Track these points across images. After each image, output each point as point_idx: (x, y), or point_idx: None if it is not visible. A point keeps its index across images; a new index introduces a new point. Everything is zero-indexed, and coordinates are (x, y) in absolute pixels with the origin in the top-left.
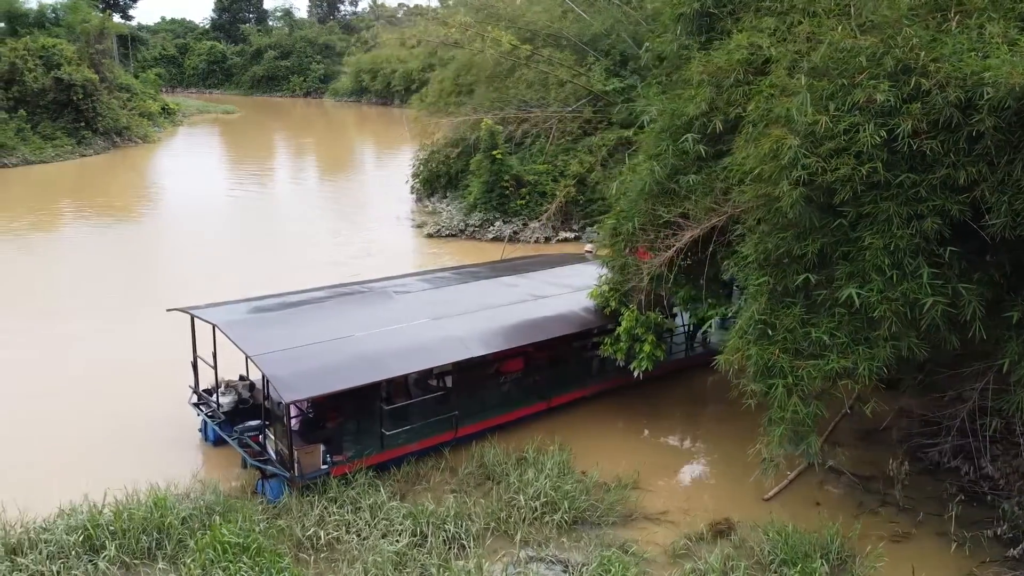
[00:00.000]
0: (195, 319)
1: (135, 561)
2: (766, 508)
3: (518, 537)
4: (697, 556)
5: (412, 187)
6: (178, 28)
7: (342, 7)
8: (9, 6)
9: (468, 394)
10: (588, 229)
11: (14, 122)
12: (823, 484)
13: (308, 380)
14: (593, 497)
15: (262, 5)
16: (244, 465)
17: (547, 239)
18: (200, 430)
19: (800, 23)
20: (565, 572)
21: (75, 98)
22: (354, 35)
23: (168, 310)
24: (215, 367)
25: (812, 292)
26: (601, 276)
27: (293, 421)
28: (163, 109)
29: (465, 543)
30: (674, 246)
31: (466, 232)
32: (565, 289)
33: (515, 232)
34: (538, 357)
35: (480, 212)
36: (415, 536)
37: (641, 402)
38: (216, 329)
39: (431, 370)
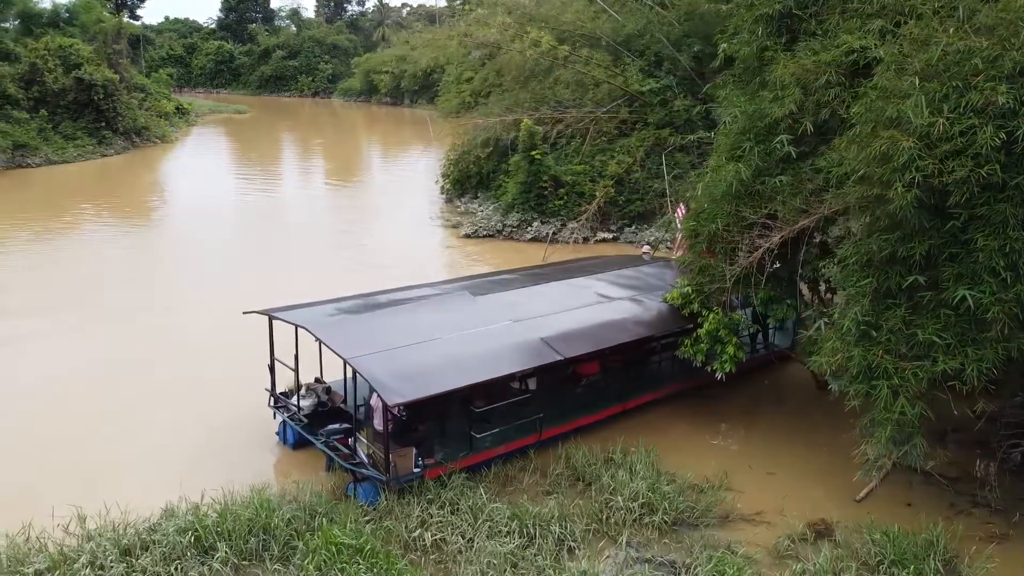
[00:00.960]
0: (273, 321)
1: (243, 562)
2: (859, 509)
3: (623, 538)
4: (802, 557)
5: (442, 187)
6: (182, 28)
7: (349, 7)
8: (24, 5)
9: (548, 397)
10: (627, 229)
11: (36, 122)
12: (911, 485)
13: (409, 383)
14: (689, 498)
15: (269, 5)
16: (328, 468)
17: (585, 239)
18: (277, 433)
19: (902, 24)
20: (673, 573)
21: (96, 98)
22: (377, 31)
23: (245, 312)
24: (296, 370)
25: (916, 293)
26: (680, 278)
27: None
28: (177, 109)
29: (572, 544)
30: (761, 247)
31: (503, 232)
32: (634, 291)
33: (553, 232)
34: (613, 359)
35: (518, 212)
36: (522, 537)
37: (714, 403)
38: (297, 331)
39: (514, 372)
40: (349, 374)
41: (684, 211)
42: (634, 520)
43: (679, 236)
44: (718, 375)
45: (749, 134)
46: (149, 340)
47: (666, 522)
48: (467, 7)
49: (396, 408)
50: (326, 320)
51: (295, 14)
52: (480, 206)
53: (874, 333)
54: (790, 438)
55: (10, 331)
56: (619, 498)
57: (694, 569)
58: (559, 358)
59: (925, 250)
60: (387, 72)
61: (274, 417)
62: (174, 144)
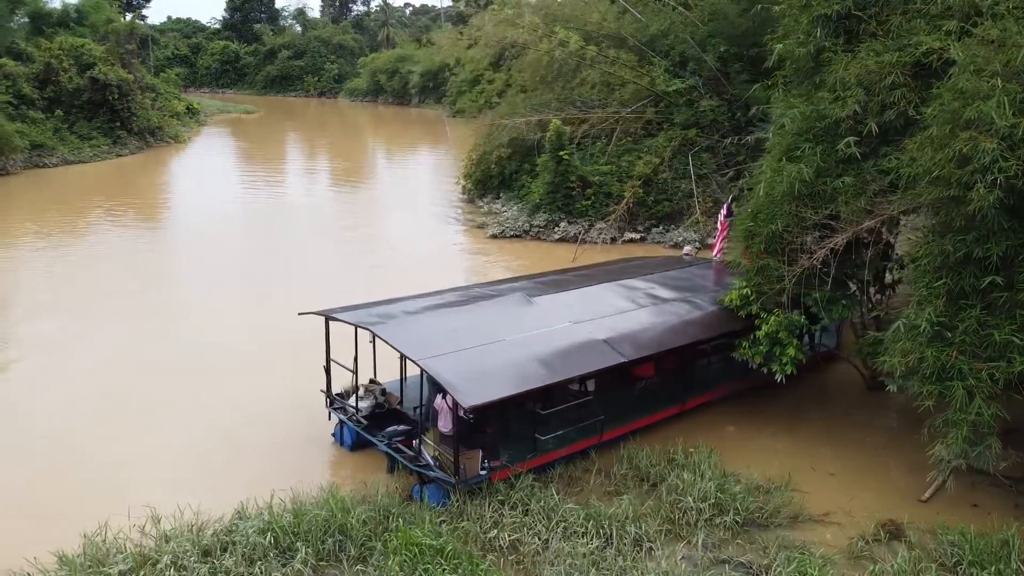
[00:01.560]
0: (330, 322)
1: (321, 563)
2: (925, 509)
3: (699, 539)
4: (877, 558)
5: (463, 187)
6: (184, 28)
7: (354, 7)
8: (34, 5)
9: (607, 399)
10: (654, 230)
11: (51, 122)
12: (973, 486)
13: (481, 385)
14: (757, 499)
15: (273, 5)
16: (390, 470)
17: (613, 240)
18: (333, 434)
19: (976, 25)
20: (750, 574)
21: (111, 98)
22: (382, 31)
23: (300, 313)
24: (355, 371)
25: (991, 294)
26: (737, 279)
27: (450, 426)
28: (187, 109)
29: (649, 544)
30: (824, 248)
31: (531, 233)
32: (684, 292)
33: (581, 233)
34: (668, 361)
35: (545, 213)
36: (598, 538)
37: (762, 404)
38: (357, 332)
39: (580, 375)
40: (409, 375)
41: (726, 212)
42: (705, 521)
43: (719, 237)
44: (778, 377)
45: (807, 135)
46: (192, 343)
47: (737, 522)
48: (490, 8)
49: (456, 410)
50: (387, 321)
51: (301, 14)
52: (503, 206)
53: (948, 334)
54: (845, 439)
55: (56, 332)
56: (689, 498)
57: (775, 570)
58: (623, 360)
59: (1002, 251)
60: (395, 72)
61: (329, 418)
62: (186, 144)
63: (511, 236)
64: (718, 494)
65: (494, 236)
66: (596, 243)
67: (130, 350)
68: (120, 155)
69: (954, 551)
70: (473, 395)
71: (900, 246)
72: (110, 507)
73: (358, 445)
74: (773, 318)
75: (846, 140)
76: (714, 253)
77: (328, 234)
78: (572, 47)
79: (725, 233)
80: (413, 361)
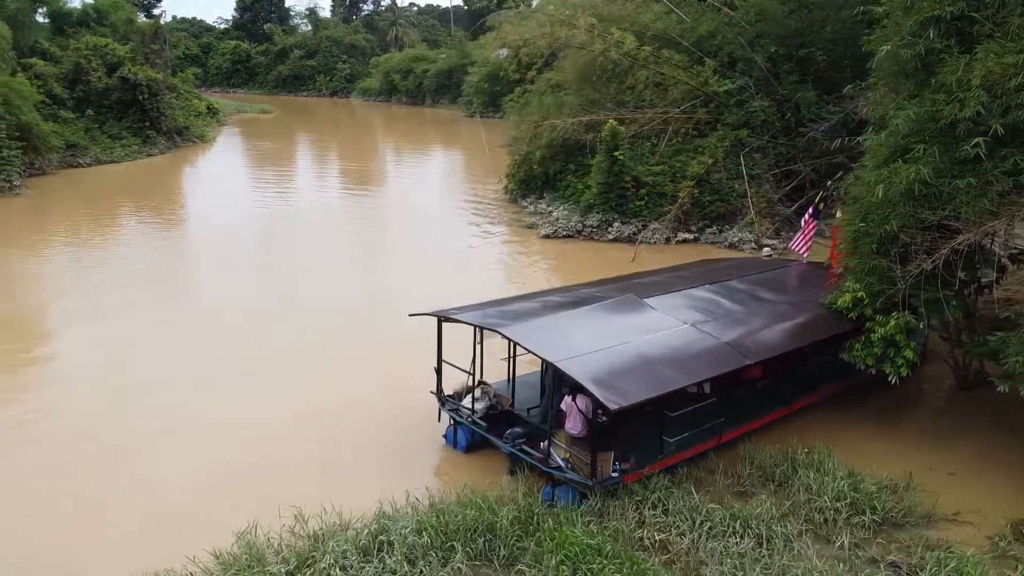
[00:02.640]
0: (443, 323)
1: (475, 562)
2: None
3: (845, 539)
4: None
5: (505, 187)
6: (191, 28)
7: (364, 6)
8: (55, 4)
9: (724, 401)
10: (707, 230)
11: (82, 122)
12: None
13: (622, 387)
14: (890, 498)
15: (283, 4)
16: (511, 472)
17: (667, 240)
18: (445, 436)
19: None
20: (900, 573)
21: (141, 98)
22: (391, 30)
23: (411, 315)
24: (472, 372)
25: None
26: (849, 281)
27: (577, 427)
28: (208, 108)
29: (796, 545)
30: (946, 248)
31: (583, 233)
32: (786, 294)
33: (634, 233)
34: (774, 363)
35: (598, 213)
36: (747, 537)
37: (859, 405)
38: (477, 332)
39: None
40: (536, 375)
41: (812, 212)
42: (844, 520)
43: (806, 238)
44: (892, 379)
45: (920, 136)
46: (284, 348)
47: (876, 522)
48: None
49: (595, 413)
50: (513, 323)
51: (312, 14)
52: (549, 206)
53: None
54: (952, 438)
55: (161, 330)
56: (825, 498)
57: (930, 570)
58: (747, 362)
59: None
60: (410, 71)
61: (438, 420)
62: (212, 144)
63: (563, 236)
64: (852, 493)
65: (546, 236)
66: (653, 243)
67: (232, 355)
68: (150, 155)
69: None
70: (617, 397)
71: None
72: (242, 508)
73: (474, 446)
74: (893, 321)
75: (976, 141)
76: (802, 253)
77: (385, 233)
78: (627, 47)
79: (812, 233)
80: (550, 363)
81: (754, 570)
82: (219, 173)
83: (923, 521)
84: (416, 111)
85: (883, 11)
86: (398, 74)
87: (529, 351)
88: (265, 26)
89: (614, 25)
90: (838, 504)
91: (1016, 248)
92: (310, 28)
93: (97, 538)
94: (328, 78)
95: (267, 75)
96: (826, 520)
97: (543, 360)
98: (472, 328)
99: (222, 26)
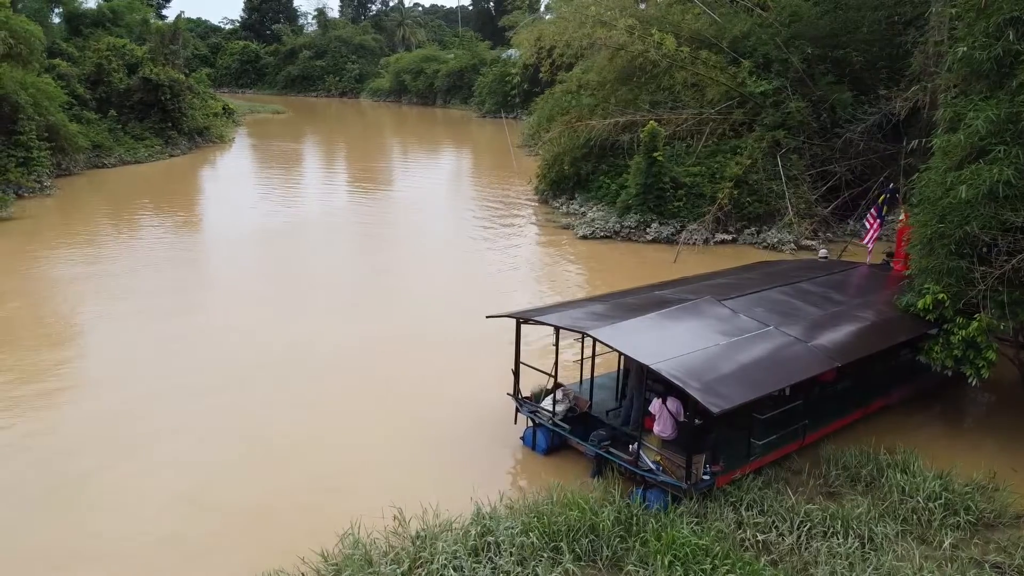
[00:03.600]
0: (523, 324)
1: (580, 563)
2: None
3: (945, 540)
4: None
5: (536, 188)
6: (197, 28)
7: (372, 5)
8: (70, 5)
9: (805, 404)
10: (745, 231)
11: (105, 123)
12: None
13: (720, 389)
14: (983, 499)
15: (291, 5)
16: (595, 474)
17: (706, 241)
18: (522, 438)
19: None
20: (1003, 575)
21: (163, 98)
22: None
23: (488, 316)
24: (554, 374)
25: None
26: (929, 283)
27: (667, 430)
28: (224, 109)
29: (895, 546)
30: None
31: (621, 234)
32: (858, 296)
33: (673, 234)
34: (850, 365)
35: (636, 213)
36: (848, 537)
37: (932, 406)
38: (559, 333)
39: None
40: (609, 376)
41: (876, 212)
42: (940, 521)
43: (871, 238)
44: (971, 380)
45: (1001, 136)
46: (348, 352)
47: (971, 522)
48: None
49: (688, 415)
50: (600, 324)
51: (321, 14)
52: (581, 207)
53: None
54: (1022, 438)
55: (218, 335)
56: (918, 498)
57: None
58: (836, 364)
59: None
60: (420, 71)
61: (515, 422)
62: (230, 145)
63: (601, 237)
64: (945, 494)
65: (584, 237)
66: (693, 244)
67: (300, 360)
68: (172, 155)
69: None
70: (718, 400)
71: None
72: (333, 510)
73: (553, 449)
74: (975, 323)
75: None
76: (869, 248)
77: (424, 235)
78: (668, 48)
79: (877, 233)
80: (645, 366)
81: (865, 571)
82: (244, 173)
83: (1016, 522)
84: (427, 111)
85: (955, 13)
86: (409, 74)
87: (622, 353)
88: (273, 26)
89: (651, 26)
90: (932, 505)
91: None
92: (319, 28)
93: (195, 544)
94: (337, 78)
95: (276, 75)
96: (921, 521)
97: (631, 362)
98: (552, 330)
99: (228, 27)
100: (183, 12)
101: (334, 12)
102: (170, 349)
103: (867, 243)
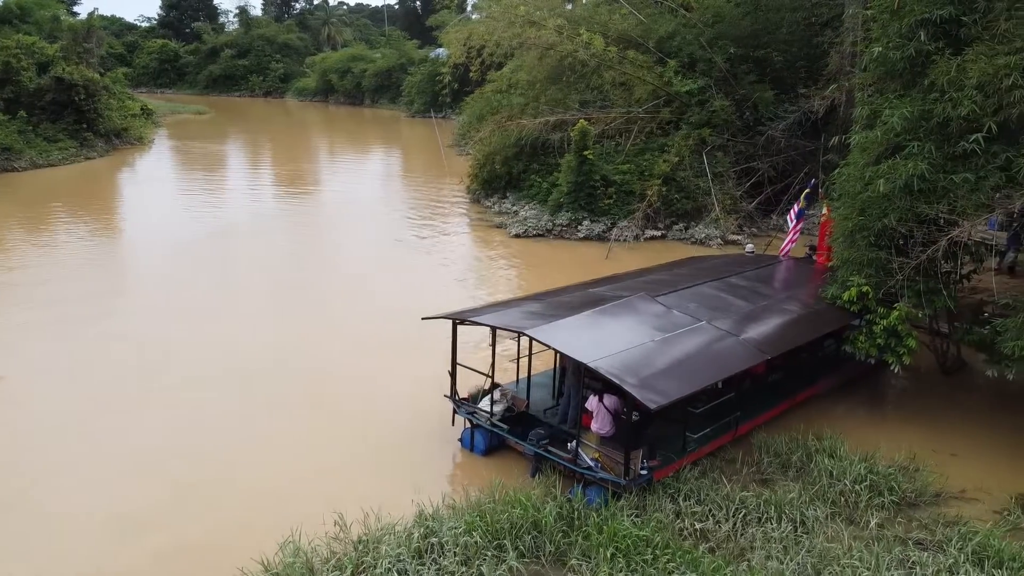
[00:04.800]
0: (459, 325)
1: (524, 560)
2: None
3: (871, 520)
4: None
5: (468, 187)
6: (112, 26)
7: (296, 4)
8: None
9: (736, 396)
10: (674, 227)
11: (15, 124)
12: None
13: (656, 385)
14: (905, 480)
15: (211, 2)
16: (534, 474)
17: (636, 237)
18: (461, 439)
19: None
20: (927, 550)
21: (77, 98)
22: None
23: (424, 318)
24: (492, 375)
25: None
26: (854, 276)
27: (605, 427)
28: (142, 110)
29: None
30: (943, 240)
31: (553, 232)
32: (785, 289)
33: (604, 231)
34: (779, 357)
35: (568, 212)
36: (783, 522)
37: (855, 393)
38: (495, 333)
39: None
40: (544, 375)
41: (797, 210)
42: (866, 502)
43: (791, 235)
44: (894, 367)
45: (915, 133)
46: (282, 358)
47: (894, 502)
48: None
49: (627, 412)
50: (529, 323)
51: (243, 12)
52: (513, 205)
53: None
54: (945, 421)
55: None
56: (845, 481)
57: (955, 543)
58: (766, 357)
59: None
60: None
61: (452, 424)
62: (150, 146)
63: (534, 235)
64: (870, 476)
65: (517, 235)
66: (624, 240)
67: (231, 364)
68: (88, 158)
69: None
70: (655, 396)
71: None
72: (270, 517)
73: (492, 450)
74: (895, 312)
75: (974, 138)
76: (782, 249)
77: (358, 235)
78: (596, 48)
79: (798, 234)
80: (582, 363)
81: (798, 554)
82: (166, 176)
83: (936, 500)
84: (356, 111)
85: (870, 15)
86: (336, 74)
87: (559, 351)
88: (193, 24)
89: (579, 26)
90: (858, 487)
91: (984, 240)
92: (241, 27)
93: (125, 565)
94: (261, 78)
95: (197, 75)
96: (848, 503)
97: (568, 360)
98: (488, 330)
99: (145, 24)
100: (97, 9)
101: (256, 10)
102: (88, 361)
103: (786, 246)
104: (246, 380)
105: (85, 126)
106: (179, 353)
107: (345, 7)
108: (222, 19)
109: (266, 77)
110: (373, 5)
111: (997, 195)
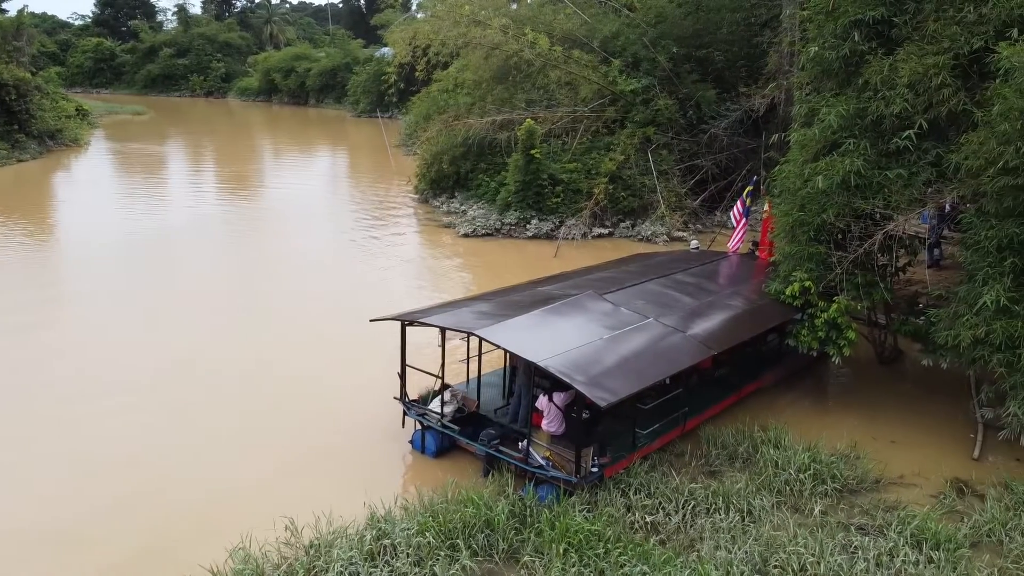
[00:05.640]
0: (408, 326)
1: (478, 558)
2: (981, 466)
3: (815, 507)
4: (968, 511)
5: (416, 187)
6: (43, 23)
7: (237, 2)
8: None
9: (685, 391)
10: (621, 225)
11: None
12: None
13: (606, 383)
14: (846, 467)
15: (148, 0)
16: (486, 474)
17: (584, 235)
18: (411, 441)
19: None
20: (869, 534)
21: (7, 99)
22: (266, 27)
23: (372, 320)
24: (442, 376)
25: None
26: (797, 271)
27: (555, 425)
28: (77, 110)
29: (772, 516)
30: (879, 233)
31: (502, 231)
32: (730, 285)
33: (552, 229)
34: (724, 352)
35: (516, 211)
36: (730, 512)
37: (797, 385)
38: (445, 334)
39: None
40: (494, 374)
41: (742, 207)
42: (810, 490)
43: (737, 231)
44: (834, 359)
45: (849, 131)
46: (232, 361)
47: (837, 490)
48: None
49: (577, 410)
50: (478, 323)
51: (182, 10)
52: (462, 205)
53: (1017, 308)
54: (883, 410)
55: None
56: (790, 471)
57: (895, 527)
58: (713, 352)
59: None
60: (292, 70)
61: (403, 426)
62: (86, 148)
63: (483, 235)
64: (813, 464)
65: (466, 235)
66: (575, 239)
67: (177, 370)
68: (21, 160)
69: None
70: (604, 394)
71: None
72: (220, 524)
73: (443, 451)
74: (835, 305)
75: (906, 134)
76: (731, 246)
77: (305, 237)
78: (541, 47)
79: (745, 226)
80: (532, 363)
81: (746, 542)
82: (103, 178)
83: (876, 486)
84: (300, 111)
85: (806, 15)
86: (279, 73)
87: (509, 351)
88: (130, 23)
89: (524, 26)
90: (802, 476)
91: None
92: (180, 25)
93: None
94: (202, 77)
95: (135, 74)
96: (793, 491)
97: (518, 360)
98: (437, 331)
99: (79, 22)
100: (26, 6)
101: (196, 8)
102: (19, 370)
103: (734, 243)
104: (189, 385)
105: (17, 127)
106: (117, 359)
107: (288, 5)
108: (160, 17)
109: (207, 77)
110: (316, 4)
111: (929, 190)
